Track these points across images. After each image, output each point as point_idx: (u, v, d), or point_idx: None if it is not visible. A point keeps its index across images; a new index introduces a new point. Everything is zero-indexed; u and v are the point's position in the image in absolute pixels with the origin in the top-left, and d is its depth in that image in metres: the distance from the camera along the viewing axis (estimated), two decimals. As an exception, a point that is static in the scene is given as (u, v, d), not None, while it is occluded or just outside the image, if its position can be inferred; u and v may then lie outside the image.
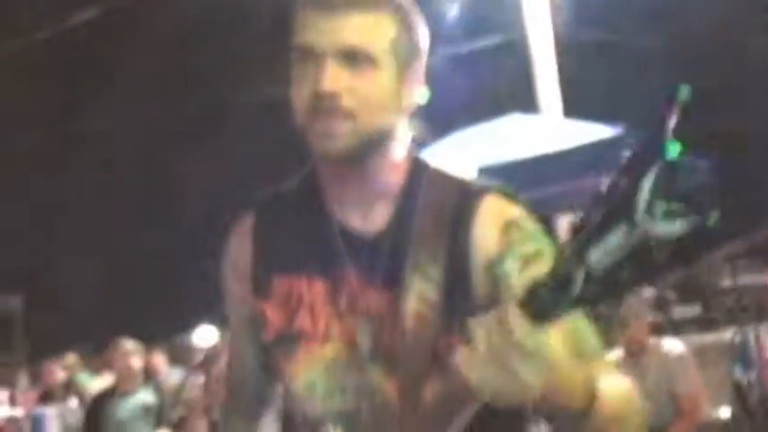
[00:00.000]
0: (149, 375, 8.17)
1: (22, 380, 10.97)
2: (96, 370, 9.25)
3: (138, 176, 21.90)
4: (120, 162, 21.30)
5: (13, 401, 11.28)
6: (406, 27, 1.64)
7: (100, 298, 20.15)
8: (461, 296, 1.62)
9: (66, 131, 21.00)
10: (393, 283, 1.65)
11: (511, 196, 1.68)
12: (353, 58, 1.58)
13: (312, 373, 1.71)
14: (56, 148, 21.22)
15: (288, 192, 1.78)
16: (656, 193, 1.03)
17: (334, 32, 1.58)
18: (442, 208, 1.66)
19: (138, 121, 21.37)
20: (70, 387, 8.67)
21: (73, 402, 8.18)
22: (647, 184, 1.03)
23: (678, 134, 1.05)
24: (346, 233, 1.70)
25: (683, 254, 1.02)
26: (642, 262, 1.04)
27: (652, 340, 6.11)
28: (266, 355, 1.80)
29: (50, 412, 7.61)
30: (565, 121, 10.31)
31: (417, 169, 1.72)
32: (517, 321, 1.22)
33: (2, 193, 20.61)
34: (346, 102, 1.57)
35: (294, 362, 1.73)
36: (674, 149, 1.04)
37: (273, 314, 1.74)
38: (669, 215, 1.02)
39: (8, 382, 12.62)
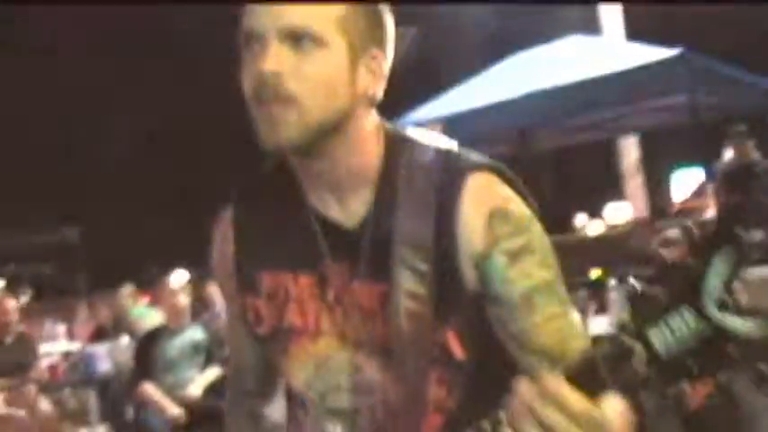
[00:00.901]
0: (205, 307, 8.23)
1: (81, 313, 11.12)
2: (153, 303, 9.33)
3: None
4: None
5: (71, 335, 11.48)
6: (358, 9, 1.53)
7: (158, 228, 20.41)
8: (453, 290, 1.56)
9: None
10: (380, 275, 1.58)
11: (497, 172, 1.59)
12: (297, 38, 1.49)
13: (308, 370, 1.68)
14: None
15: (264, 180, 1.72)
16: (727, 280, 0.97)
17: (277, 13, 1.49)
18: (425, 192, 1.57)
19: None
20: (122, 323, 8.75)
21: (124, 339, 8.23)
22: (716, 269, 0.97)
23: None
24: (326, 224, 1.63)
25: (759, 353, 0.95)
26: (711, 355, 0.98)
27: None
28: (264, 349, 1.76)
29: (101, 350, 7.69)
30: (625, 42, 10.11)
31: (393, 148, 1.62)
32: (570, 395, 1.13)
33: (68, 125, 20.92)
34: (290, 85, 1.48)
35: (288, 358, 1.69)
36: (750, 233, 0.86)
37: (263, 310, 1.69)
38: (741, 308, 0.96)
39: (67, 316, 12.86)
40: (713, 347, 0.97)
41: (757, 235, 6.16)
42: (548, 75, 7.97)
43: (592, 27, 10.91)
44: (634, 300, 1.01)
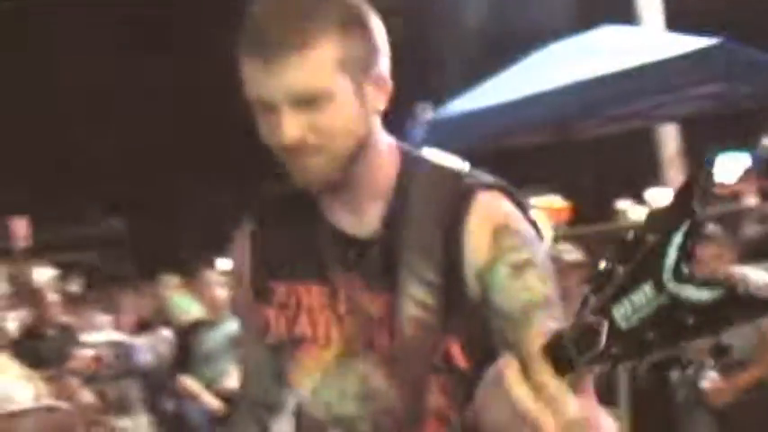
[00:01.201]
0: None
1: (126, 304, 11.24)
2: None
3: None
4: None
5: (116, 325, 11.61)
6: (355, 35, 1.60)
7: (203, 218, 20.57)
8: (458, 300, 1.63)
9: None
10: (389, 286, 1.66)
11: (504, 191, 1.68)
12: (306, 101, 1.56)
13: (315, 378, 1.75)
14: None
15: (282, 194, 1.80)
16: (684, 253, 1.00)
17: (278, 82, 1.55)
18: (435, 208, 1.65)
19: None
20: (164, 314, 8.84)
21: (165, 331, 8.33)
22: (675, 244, 1.01)
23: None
24: (340, 237, 1.72)
25: (714, 321, 0.98)
26: (669, 325, 1.01)
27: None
28: (274, 358, 1.84)
29: (142, 342, 7.79)
30: (661, 32, 10.02)
31: (408, 165, 1.73)
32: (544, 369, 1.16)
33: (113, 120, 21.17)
34: (311, 140, 1.57)
35: (298, 367, 1.77)
36: (702, 209, 1.01)
37: (275, 320, 1.79)
38: (698, 280, 0.99)
39: (114, 306, 13.01)
40: (671, 319, 0.99)
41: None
42: (585, 65, 7.92)
43: (629, 17, 10.84)
44: (598, 277, 1.01)
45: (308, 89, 1.54)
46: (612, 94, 7.74)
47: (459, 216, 1.63)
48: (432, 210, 1.65)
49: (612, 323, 1.06)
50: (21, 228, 24.08)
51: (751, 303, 0.95)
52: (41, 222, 24.85)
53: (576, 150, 10.94)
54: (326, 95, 1.55)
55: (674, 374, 5.57)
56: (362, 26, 1.61)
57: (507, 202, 1.66)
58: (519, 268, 1.59)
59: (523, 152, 11.46)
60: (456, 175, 1.70)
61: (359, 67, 1.60)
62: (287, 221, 1.78)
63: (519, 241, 1.62)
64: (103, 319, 11.87)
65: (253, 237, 1.85)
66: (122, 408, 8.64)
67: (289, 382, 1.83)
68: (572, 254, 5.98)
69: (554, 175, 12.93)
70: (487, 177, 1.70)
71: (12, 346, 8.50)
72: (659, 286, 1.01)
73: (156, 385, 7.97)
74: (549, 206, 10.98)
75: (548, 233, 9.11)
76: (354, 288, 1.70)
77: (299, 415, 1.90)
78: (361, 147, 1.63)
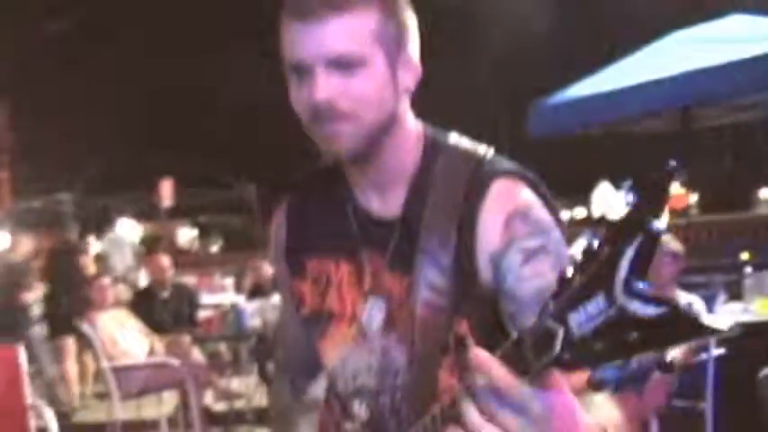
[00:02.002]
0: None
1: (252, 267, 11.54)
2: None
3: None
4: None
5: (239, 288, 12.00)
6: (390, 12, 1.62)
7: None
8: (471, 284, 1.64)
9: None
10: (408, 268, 1.68)
11: (524, 179, 1.68)
12: (342, 64, 1.57)
13: (342, 352, 1.80)
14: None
15: (317, 174, 1.84)
16: (635, 268, 1.00)
17: (316, 43, 1.57)
18: (453, 193, 1.67)
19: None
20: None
21: (275, 298, 8.53)
22: (628, 257, 1.00)
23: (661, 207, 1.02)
24: (367, 217, 1.75)
25: (656, 337, 0.99)
26: (616, 338, 1.01)
27: None
28: (308, 330, 1.89)
29: (252, 306, 7.97)
30: None
31: (432, 149, 1.73)
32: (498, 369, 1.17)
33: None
34: (342, 105, 1.58)
35: (326, 340, 1.83)
36: (660, 222, 1.01)
37: (307, 294, 1.84)
38: (647, 296, 0.99)
39: (241, 269, 13.45)
40: (618, 332, 1.00)
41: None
42: (710, 52, 7.78)
43: (760, 5, 10.49)
44: (560, 284, 1.01)
45: (345, 52, 1.57)
46: (737, 82, 7.56)
47: (476, 202, 1.64)
48: (450, 195, 1.67)
49: (568, 330, 1.06)
50: (166, 189, 24.96)
51: (692, 325, 0.96)
52: (185, 185, 25.76)
53: (699, 138, 10.71)
54: (361, 61, 1.58)
55: (762, 370, 5.50)
56: (400, 5, 1.64)
57: (526, 189, 1.66)
58: (531, 255, 1.59)
59: (650, 138, 11.28)
60: (477, 161, 1.70)
61: (393, 43, 1.62)
62: (320, 199, 1.83)
63: (533, 228, 1.61)
64: (226, 281, 12.32)
65: (289, 212, 1.90)
66: (233, 369, 8.98)
67: (319, 354, 1.89)
68: (668, 246, 5.90)
69: (680, 163, 12.63)
70: (508, 164, 1.71)
71: (132, 303, 8.92)
72: (610, 298, 1.01)
73: (262, 350, 8.16)
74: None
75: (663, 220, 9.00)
76: (378, 267, 1.74)
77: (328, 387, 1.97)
78: (390, 122, 1.65)
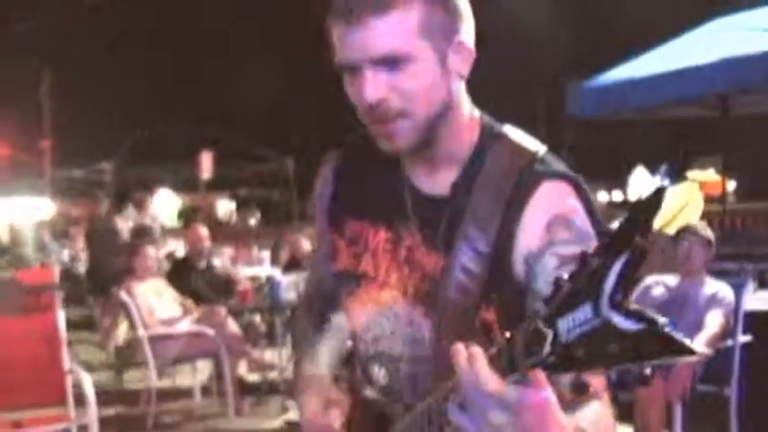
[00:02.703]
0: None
1: (288, 240, 11.62)
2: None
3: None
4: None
5: (275, 260, 12.10)
6: (435, 3, 1.63)
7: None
8: (503, 275, 1.67)
9: None
10: (445, 247, 1.72)
11: (572, 182, 1.70)
12: (388, 63, 1.60)
13: (368, 314, 1.86)
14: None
15: (369, 138, 1.80)
16: (621, 282, 1.04)
17: (360, 45, 1.60)
18: (501, 185, 1.69)
19: None
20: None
21: (310, 272, 8.60)
22: (615, 271, 1.04)
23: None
24: (414, 192, 1.79)
25: (634, 352, 1.02)
26: (597, 347, 1.05)
27: None
28: (336, 283, 1.95)
29: (288, 280, 8.03)
30: None
31: (486, 137, 1.76)
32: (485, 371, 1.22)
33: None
34: (394, 103, 1.62)
35: (354, 300, 1.88)
36: (643, 242, 1.04)
37: (342, 251, 1.89)
38: (629, 311, 1.03)
39: (278, 242, 13.56)
40: (600, 342, 1.04)
41: None
42: (749, 41, 7.78)
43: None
44: (554, 288, 1.04)
45: (389, 51, 1.59)
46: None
47: (521, 199, 1.66)
48: (498, 186, 1.68)
49: (556, 334, 1.10)
50: (206, 161, 25.14)
51: (668, 343, 0.99)
52: (224, 158, 25.94)
53: (736, 126, 10.67)
54: (407, 58, 1.60)
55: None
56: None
57: (572, 194, 1.68)
58: (566, 261, 1.59)
59: (691, 125, 11.27)
60: (529, 158, 1.71)
61: (441, 34, 1.63)
62: (368, 164, 1.84)
63: (572, 235, 1.63)
64: (262, 254, 12.43)
65: (336, 171, 1.94)
66: (268, 340, 9.10)
67: (345, 310, 1.95)
68: (700, 233, 5.94)
69: (717, 150, 12.58)
70: (558, 166, 1.72)
71: (170, 273, 9.05)
72: (596, 309, 1.04)
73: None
74: (702, 179, 10.78)
75: (698, 207, 9.03)
76: (416, 241, 1.77)
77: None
78: (444, 111, 1.67)
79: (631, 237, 1.04)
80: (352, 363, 1.97)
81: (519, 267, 1.66)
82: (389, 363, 1.84)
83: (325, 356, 2.05)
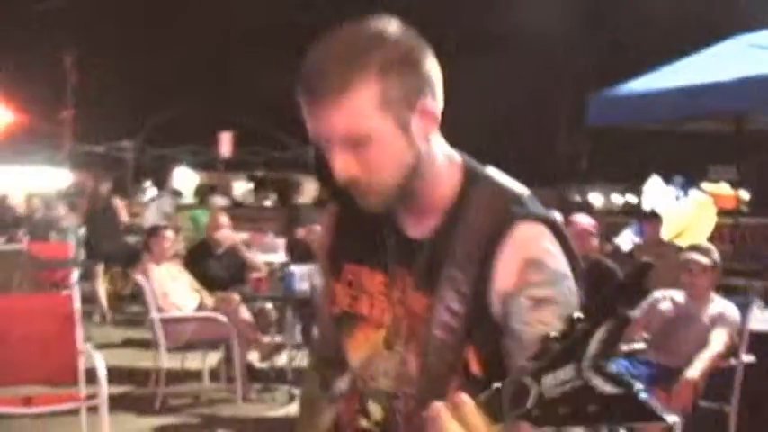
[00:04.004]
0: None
1: (305, 229, 11.63)
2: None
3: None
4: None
5: (290, 250, 12.12)
6: (396, 76, 1.67)
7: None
8: (483, 314, 1.74)
9: None
10: (431, 289, 1.79)
11: (548, 224, 1.76)
12: (351, 143, 1.67)
13: (365, 353, 1.94)
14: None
15: None
16: (604, 347, 1.09)
17: (322, 125, 1.68)
18: (480, 228, 1.75)
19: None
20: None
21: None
22: (598, 337, 1.09)
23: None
24: (400, 236, 1.87)
25: (610, 414, 1.09)
26: (578, 406, 1.10)
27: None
28: (337, 327, 2.03)
29: (302, 270, 8.07)
30: None
31: (468, 182, 1.83)
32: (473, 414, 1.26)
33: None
34: (361, 178, 1.71)
35: (353, 340, 1.96)
36: (625, 312, 1.09)
37: (340, 294, 1.98)
38: (608, 375, 1.09)
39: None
40: (581, 402, 1.09)
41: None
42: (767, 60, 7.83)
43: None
44: (542, 346, 1.08)
45: (349, 132, 1.66)
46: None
47: (497, 242, 1.72)
48: (477, 229, 1.75)
49: (540, 390, 1.15)
50: (226, 141, 25.24)
51: (642, 409, 1.06)
52: (244, 141, 26.05)
53: (753, 139, 10.68)
54: (367, 137, 1.66)
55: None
56: (407, 65, 1.69)
57: (547, 236, 1.74)
58: (539, 303, 1.66)
59: (707, 137, 11.29)
60: (508, 200, 1.77)
61: (402, 105, 1.68)
62: (363, 213, 1.87)
63: (545, 277, 1.69)
64: (278, 241, 12.48)
65: (335, 216, 2.03)
66: (278, 327, 9.18)
67: (344, 351, 2.03)
68: (706, 256, 5.98)
69: (733, 164, 12.57)
70: (536, 208, 1.78)
71: (187, 257, 9.14)
72: (579, 370, 1.10)
73: (307, 313, 8.29)
74: (716, 194, 10.80)
75: (710, 220, 9.07)
76: (406, 283, 1.84)
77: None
78: (414, 169, 1.73)
79: (615, 306, 1.09)
80: (351, 395, 2.05)
81: (496, 306, 1.72)
82: (385, 400, 1.91)
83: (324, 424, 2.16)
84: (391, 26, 1.71)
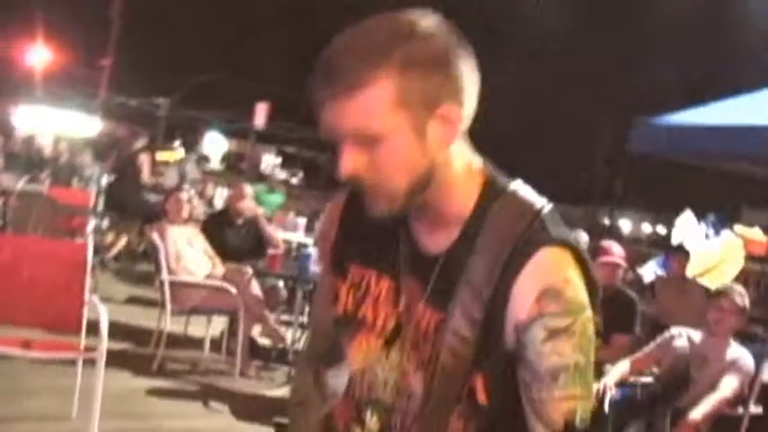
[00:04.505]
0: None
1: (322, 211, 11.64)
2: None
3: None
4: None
5: (310, 230, 12.15)
6: (418, 75, 1.57)
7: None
8: (494, 341, 1.65)
9: None
10: (442, 307, 1.70)
11: (570, 249, 1.66)
12: (362, 139, 1.58)
13: (366, 360, 1.85)
14: None
15: None
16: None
17: (332, 121, 1.58)
18: (500, 249, 1.65)
19: None
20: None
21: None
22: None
23: None
24: (414, 249, 1.76)
25: None
26: None
27: None
28: (337, 328, 1.94)
29: (317, 252, 7.98)
30: None
31: (490, 192, 1.72)
32: None
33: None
34: (368, 180, 1.61)
35: (353, 344, 1.87)
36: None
37: (344, 296, 1.88)
38: None
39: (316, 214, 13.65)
40: None
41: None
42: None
43: None
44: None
45: (359, 129, 1.57)
46: None
47: (515, 268, 1.63)
48: (495, 250, 1.65)
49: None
50: (261, 112, 25.23)
51: None
52: (278, 115, 26.07)
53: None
54: (379, 136, 1.57)
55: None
56: (434, 64, 1.59)
57: (568, 263, 1.66)
58: (554, 333, 1.61)
59: (747, 180, 11.17)
60: (529, 220, 1.67)
61: (421, 107, 1.58)
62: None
63: (562, 308, 1.62)
64: (299, 221, 12.46)
65: (344, 212, 1.90)
66: (286, 307, 9.13)
67: (343, 355, 1.94)
68: (740, 298, 5.88)
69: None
70: (558, 230, 1.69)
71: (205, 223, 9.11)
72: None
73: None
74: (748, 238, 10.67)
75: (738, 263, 8.96)
76: (415, 295, 1.75)
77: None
78: (427, 177, 1.63)
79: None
80: (346, 399, 1.96)
81: (510, 335, 1.65)
82: (382, 411, 1.83)
83: (314, 423, 2.06)
84: (426, 21, 1.60)
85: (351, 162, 1.59)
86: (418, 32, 1.58)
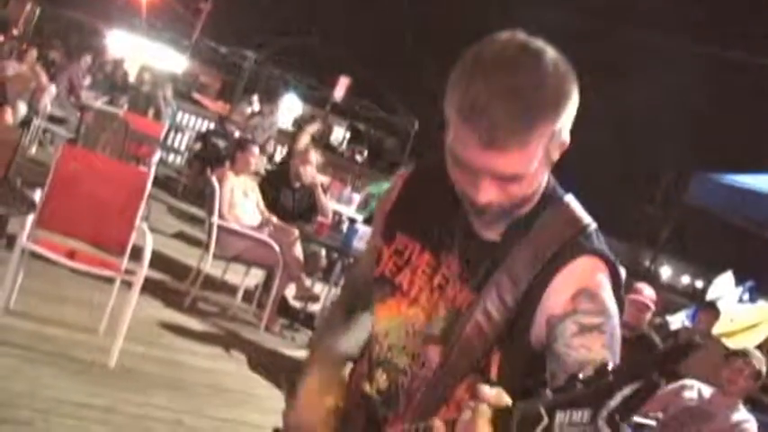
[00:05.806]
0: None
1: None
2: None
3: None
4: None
5: (362, 208, 12.26)
6: (564, 113, 1.65)
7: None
8: (520, 329, 1.75)
9: None
10: (477, 288, 1.81)
11: (608, 262, 1.76)
12: (505, 179, 1.67)
13: (390, 323, 1.97)
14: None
15: (441, 166, 1.80)
16: (625, 405, 1.09)
17: (489, 162, 1.64)
18: (542, 248, 1.75)
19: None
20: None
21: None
22: (623, 393, 1.09)
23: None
24: (467, 231, 1.86)
25: None
26: None
27: None
28: (372, 285, 2.05)
29: (364, 230, 8.03)
30: None
31: (545, 200, 1.82)
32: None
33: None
34: (499, 205, 1.71)
35: (383, 306, 1.99)
36: (657, 382, 1.09)
37: (386, 259, 1.99)
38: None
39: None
40: None
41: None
42: None
43: None
44: (567, 381, 1.09)
45: (515, 173, 1.65)
46: None
47: (557, 266, 1.72)
48: (540, 248, 1.74)
49: (551, 422, 1.14)
50: (343, 85, 25.34)
51: None
52: (359, 91, 26.25)
53: None
54: (521, 177, 1.66)
55: None
56: (568, 98, 1.65)
57: (604, 272, 1.73)
58: (586, 329, 1.63)
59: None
60: (576, 230, 1.77)
61: (557, 143, 1.69)
62: (434, 188, 1.90)
63: (596, 307, 1.67)
64: (354, 195, 12.58)
65: (405, 184, 2.02)
66: (323, 275, 9.30)
67: (373, 312, 2.03)
68: (758, 363, 5.90)
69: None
70: (601, 245, 1.78)
71: (265, 176, 9.24)
72: (593, 417, 1.09)
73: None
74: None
75: (764, 333, 8.94)
76: (453, 273, 1.85)
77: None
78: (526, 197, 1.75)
79: (651, 371, 1.08)
80: (363, 357, 2.09)
81: (539, 327, 1.71)
82: (393, 372, 1.95)
83: (345, 339, 2.18)
84: (548, 54, 1.65)
85: (490, 195, 1.69)
86: (553, 69, 1.63)
